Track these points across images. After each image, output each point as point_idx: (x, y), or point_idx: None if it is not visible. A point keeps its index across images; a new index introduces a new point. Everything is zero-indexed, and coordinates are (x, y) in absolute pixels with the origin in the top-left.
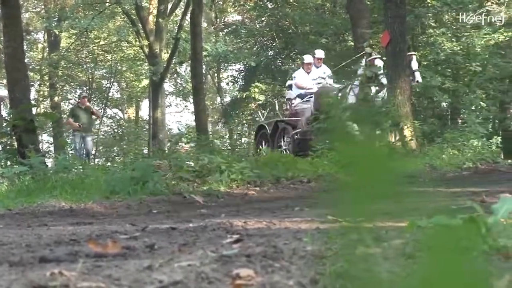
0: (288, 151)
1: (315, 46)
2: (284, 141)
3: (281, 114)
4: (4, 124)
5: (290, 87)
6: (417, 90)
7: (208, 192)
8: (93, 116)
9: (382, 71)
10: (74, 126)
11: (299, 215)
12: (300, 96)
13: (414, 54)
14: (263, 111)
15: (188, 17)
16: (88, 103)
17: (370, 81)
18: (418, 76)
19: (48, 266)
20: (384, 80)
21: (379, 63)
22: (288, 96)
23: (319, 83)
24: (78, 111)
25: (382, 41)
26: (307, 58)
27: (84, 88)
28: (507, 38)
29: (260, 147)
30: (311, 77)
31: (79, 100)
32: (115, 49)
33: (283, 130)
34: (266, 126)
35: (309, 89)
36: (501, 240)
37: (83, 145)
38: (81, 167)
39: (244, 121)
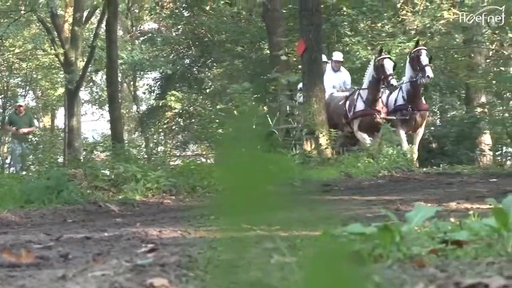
0: None
1: (231, 54)
2: (297, 150)
3: (292, 120)
4: None
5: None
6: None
7: (123, 201)
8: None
9: (392, 72)
10: (12, 131)
11: (214, 224)
12: None
13: (424, 48)
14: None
15: (103, 25)
16: (24, 111)
17: (285, 89)
18: (428, 71)
19: None
20: (393, 81)
21: (388, 63)
22: (300, 100)
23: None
24: (15, 118)
25: (298, 50)
26: (336, 56)
27: (0, 96)
28: None
29: None
30: (326, 79)
31: (16, 108)
32: (30, 57)
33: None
34: (277, 133)
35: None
36: (415, 248)
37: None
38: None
39: (161, 130)
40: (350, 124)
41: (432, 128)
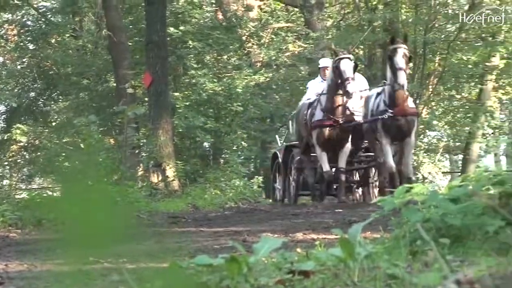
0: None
1: (77, 87)
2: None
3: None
4: None
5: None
6: (180, 130)
7: None
8: None
9: (350, 75)
10: None
11: (61, 257)
12: None
13: (400, 47)
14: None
15: None
16: None
17: (132, 121)
18: (400, 77)
19: None
20: (350, 87)
21: (345, 65)
22: (291, 129)
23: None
24: None
25: (144, 82)
26: (323, 62)
27: None
28: (268, 79)
29: (275, 184)
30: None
31: None
32: None
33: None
34: (278, 154)
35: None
36: (263, 279)
37: None
38: None
39: (6, 163)
40: (312, 136)
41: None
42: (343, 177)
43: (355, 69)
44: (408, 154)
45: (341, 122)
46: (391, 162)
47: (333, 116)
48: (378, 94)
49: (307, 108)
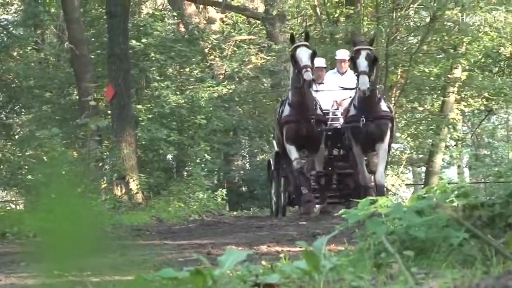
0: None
1: (39, 100)
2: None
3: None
4: None
5: None
6: (143, 143)
7: None
8: None
9: (307, 63)
10: None
11: (25, 271)
12: None
13: (364, 48)
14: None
15: None
16: None
17: (95, 134)
18: (362, 82)
19: None
20: (308, 75)
21: (301, 52)
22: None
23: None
24: None
25: (107, 95)
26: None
27: None
28: (230, 91)
29: (272, 191)
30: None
31: None
32: None
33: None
34: (271, 161)
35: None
36: None
37: None
38: None
39: None
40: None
41: (242, 171)
42: (322, 181)
43: (314, 56)
44: (381, 160)
45: (312, 118)
46: (365, 174)
47: (301, 110)
48: (352, 99)
49: (280, 104)
